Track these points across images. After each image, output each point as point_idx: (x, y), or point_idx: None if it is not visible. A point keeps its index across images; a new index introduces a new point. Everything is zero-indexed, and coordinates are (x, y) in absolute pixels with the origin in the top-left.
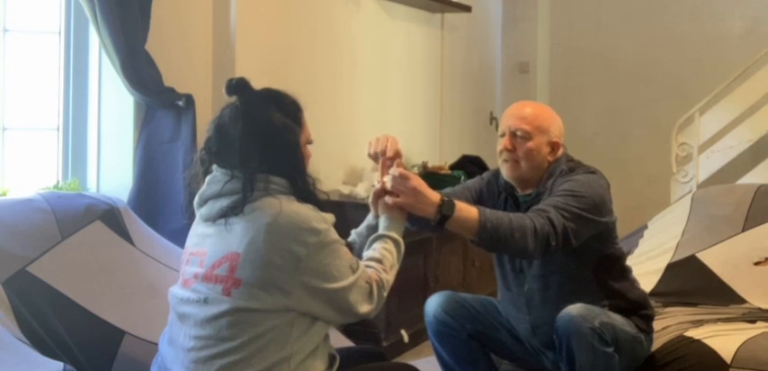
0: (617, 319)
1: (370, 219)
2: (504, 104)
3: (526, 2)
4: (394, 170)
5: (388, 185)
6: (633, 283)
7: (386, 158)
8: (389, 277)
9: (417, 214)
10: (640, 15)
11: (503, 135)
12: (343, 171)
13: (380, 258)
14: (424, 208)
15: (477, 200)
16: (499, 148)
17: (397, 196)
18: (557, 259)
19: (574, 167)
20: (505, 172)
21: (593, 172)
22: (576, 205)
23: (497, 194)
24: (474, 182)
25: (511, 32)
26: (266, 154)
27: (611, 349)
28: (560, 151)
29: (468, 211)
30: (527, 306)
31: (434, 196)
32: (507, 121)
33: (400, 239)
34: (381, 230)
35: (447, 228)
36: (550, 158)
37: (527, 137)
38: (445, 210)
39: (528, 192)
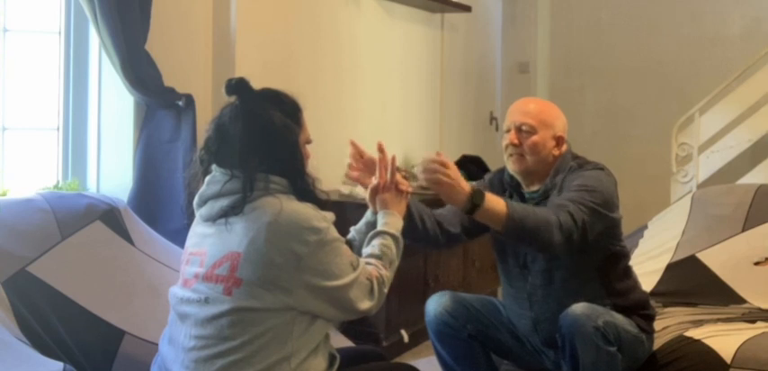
0: (619, 318)
1: (368, 216)
2: (504, 103)
3: (526, 2)
4: (432, 154)
5: (421, 173)
6: (635, 282)
7: (383, 156)
8: (389, 274)
9: (447, 202)
10: (640, 15)
11: (508, 130)
12: (343, 171)
13: (380, 255)
14: (455, 196)
15: None
16: (505, 143)
17: (385, 193)
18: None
19: (582, 163)
20: (511, 167)
21: (601, 168)
22: (591, 200)
23: (502, 192)
24: (477, 184)
25: (511, 32)
26: (266, 154)
27: (614, 349)
28: (565, 146)
29: (496, 202)
30: (529, 302)
31: (465, 185)
32: (512, 116)
33: (399, 236)
34: (380, 227)
35: (475, 217)
36: (556, 152)
37: (532, 131)
38: (476, 199)
39: (534, 188)
